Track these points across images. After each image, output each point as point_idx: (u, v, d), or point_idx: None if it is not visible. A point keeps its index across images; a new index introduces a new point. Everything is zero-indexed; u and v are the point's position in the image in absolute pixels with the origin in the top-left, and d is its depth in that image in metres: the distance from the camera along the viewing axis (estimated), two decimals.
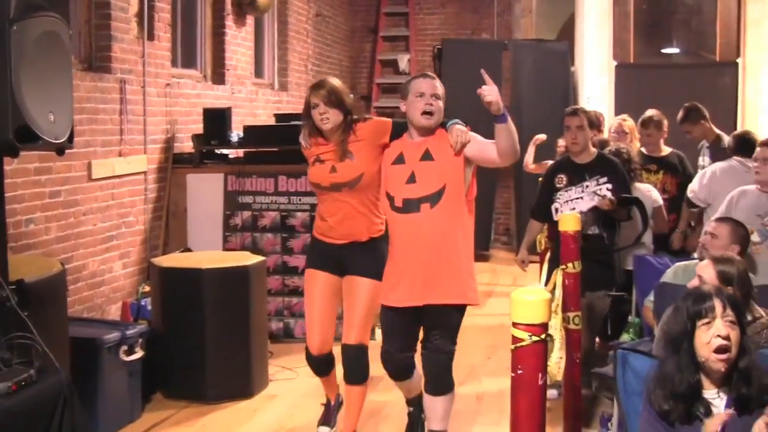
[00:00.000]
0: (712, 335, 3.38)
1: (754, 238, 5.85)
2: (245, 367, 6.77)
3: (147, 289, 7.69)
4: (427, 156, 5.09)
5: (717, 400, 3.43)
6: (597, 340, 7.04)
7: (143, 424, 6.20)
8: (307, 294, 5.67)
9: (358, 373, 5.51)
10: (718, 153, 7.98)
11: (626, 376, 3.94)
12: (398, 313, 5.12)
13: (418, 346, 5.26)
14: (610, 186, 6.30)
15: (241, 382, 6.75)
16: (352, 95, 5.50)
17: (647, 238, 6.99)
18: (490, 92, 4.67)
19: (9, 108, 3.85)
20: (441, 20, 15.06)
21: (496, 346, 8.04)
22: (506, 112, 4.79)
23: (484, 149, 5.02)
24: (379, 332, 6.11)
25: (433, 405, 5.17)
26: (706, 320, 3.41)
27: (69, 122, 4.31)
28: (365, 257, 5.41)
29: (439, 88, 5.13)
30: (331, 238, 5.50)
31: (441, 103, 5.10)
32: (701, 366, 3.43)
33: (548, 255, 7.31)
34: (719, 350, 3.35)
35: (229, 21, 9.93)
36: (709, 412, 3.37)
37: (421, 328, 5.18)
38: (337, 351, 5.66)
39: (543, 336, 3.10)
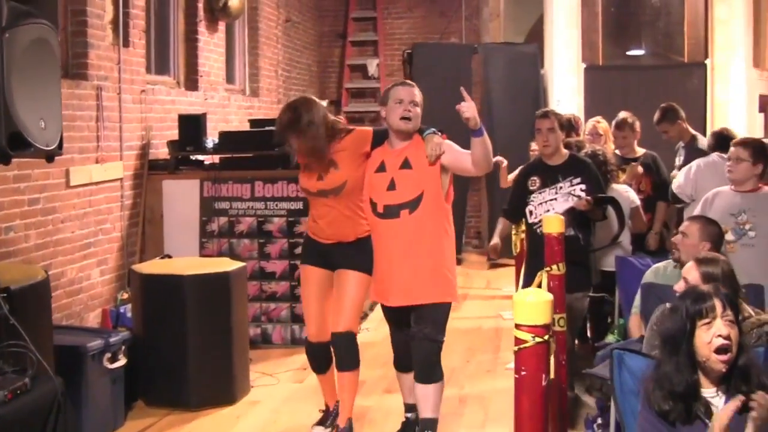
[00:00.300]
0: (713, 335, 3.39)
1: (729, 237, 5.92)
2: (227, 373, 6.76)
3: (125, 296, 7.69)
4: (406, 164, 5.43)
5: (716, 398, 3.45)
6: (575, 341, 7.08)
7: (127, 430, 6.20)
8: (303, 288, 6.05)
9: (348, 359, 5.78)
10: (693, 152, 8.08)
11: (622, 376, 3.96)
12: (393, 309, 5.55)
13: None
14: (584, 187, 6.33)
15: (223, 389, 6.74)
16: (324, 113, 5.70)
17: (625, 238, 7.05)
18: (468, 109, 5.00)
19: (1, 115, 3.84)
20: (409, 25, 15.09)
21: (473, 348, 8.08)
22: (482, 127, 5.12)
23: (460, 159, 5.37)
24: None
25: (425, 393, 5.43)
26: (706, 320, 3.42)
27: (58, 129, 4.30)
28: (354, 254, 5.76)
29: (417, 95, 5.46)
30: (321, 237, 5.89)
31: (419, 110, 5.43)
32: (700, 365, 3.45)
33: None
34: (720, 350, 3.37)
35: (202, 27, 9.92)
36: (708, 411, 3.40)
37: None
38: None
39: (546, 337, 3.11)
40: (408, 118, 5.38)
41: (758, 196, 6.02)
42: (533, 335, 3.11)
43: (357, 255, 5.74)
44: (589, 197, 6.21)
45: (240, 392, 6.87)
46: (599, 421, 5.45)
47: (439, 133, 5.47)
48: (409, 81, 5.70)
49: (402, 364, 5.81)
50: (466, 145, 5.34)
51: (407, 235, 5.37)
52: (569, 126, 7.25)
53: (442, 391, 5.55)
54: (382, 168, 5.50)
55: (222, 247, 8.36)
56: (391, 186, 5.42)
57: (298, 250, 8.14)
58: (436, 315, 5.43)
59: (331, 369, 6.03)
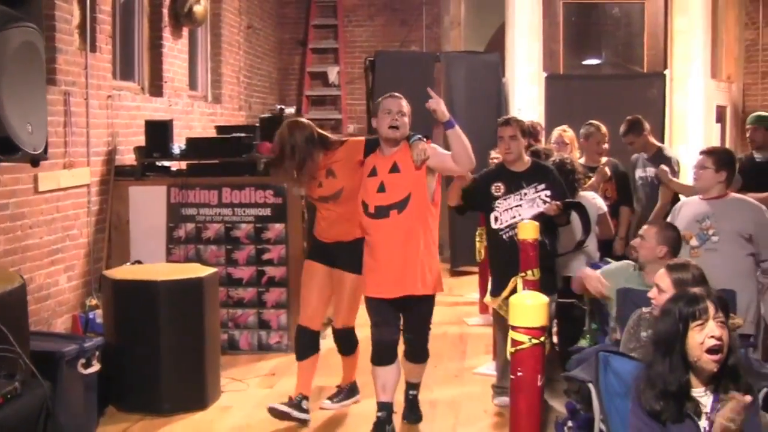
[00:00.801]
0: (706, 336, 3.48)
1: (693, 242, 6.05)
2: (199, 378, 6.77)
3: (94, 302, 7.66)
4: (394, 168, 6.00)
5: (704, 398, 3.53)
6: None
7: None
8: (305, 278, 6.63)
9: (348, 348, 6.72)
10: (663, 161, 8.27)
11: (608, 379, 4.00)
12: (380, 301, 6.03)
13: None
14: (549, 193, 6.41)
15: (195, 394, 6.75)
16: (308, 133, 6.21)
17: (592, 244, 7.13)
18: (434, 103, 5.77)
19: None
20: (370, 32, 15.17)
21: (440, 354, 8.09)
22: (453, 119, 5.81)
23: (443, 159, 5.93)
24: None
25: (412, 367, 6.34)
26: (699, 322, 3.51)
27: (44, 133, 4.30)
28: (350, 255, 6.28)
29: (405, 106, 6.04)
30: (324, 237, 6.50)
31: (406, 119, 6.02)
32: (691, 365, 3.52)
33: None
34: (712, 350, 3.45)
35: (166, 33, 9.92)
36: (698, 410, 3.47)
37: (401, 315, 6.15)
38: None
39: (542, 339, 3.16)
40: (396, 127, 5.95)
41: (723, 202, 6.12)
42: (530, 337, 3.17)
43: (354, 256, 6.24)
44: (558, 202, 6.29)
45: (211, 398, 6.87)
46: (569, 423, 5.49)
47: (425, 139, 6.02)
48: (397, 94, 6.13)
49: (381, 358, 6.13)
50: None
51: (397, 233, 5.92)
52: (529, 133, 7.34)
53: (425, 368, 6.43)
54: (373, 172, 6.04)
55: (189, 253, 8.35)
56: (381, 188, 5.97)
57: (266, 257, 8.25)
58: (426, 306, 6.15)
59: (312, 357, 6.57)
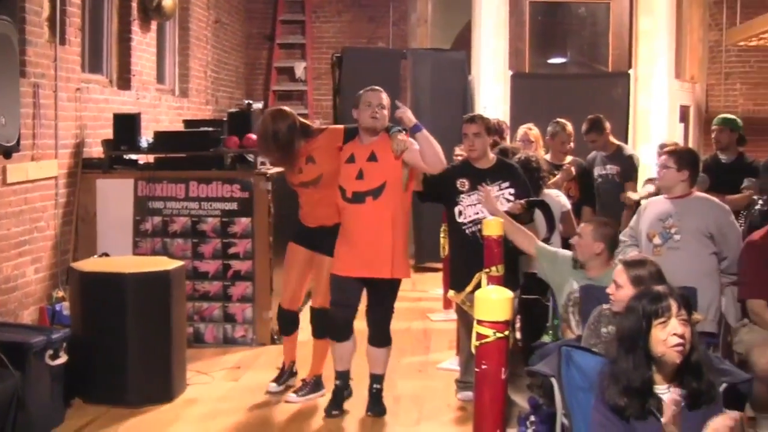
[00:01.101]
0: (669, 333, 3.57)
1: (656, 240, 6.15)
2: (166, 371, 6.82)
3: (60, 294, 7.69)
4: (372, 157, 6.37)
5: (666, 394, 3.63)
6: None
7: (67, 428, 6.20)
8: (287, 261, 7.00)
9: (322, 330, 6.82)
10: (623, 160, 8.57)
11: (570, 373, 4.08)
12: (346, 279, 6.40)
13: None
14: (513, 191, 6.53)
15: (161, 386, 6.79)
16: (290, 122, 6.52)
17: (556, 241, 7.22)
18: (400, 111, 6.19)
19: None
20: (337, 29, 15.25)
21: (404, 349, 8.18)
22: (419, 123, 6.20)
23: (418, 158, 6.27)
24: None
25: (376, 355, 6.54)
26: (662, 319, 3.60)
27: (17, 126, 4.35)
28: (332, 239, 6.54)
29: (385, 99, 6.41)
30: (307, 222, 6.83)
31: (385, 112, 6.39)
32: (655, 361, 3.61)
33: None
34: (675, 347, 3.54)
35: (135, 26, 9.94)
36: (660, 407, 3.57)
37: (363, 295, 6.54)
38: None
39: (506, 333, 3.25)
40: (376, 118, 6.33)
41: (686, 201, 6.19)
42: (495, 331, 3.25)
43: (333, 241, 6.54)
44: (522, 201, 6.39)
45: (177, 390, 6.92)
46: (532, 418, 5.59)
47: (404, 132, 6.33)
48: (377, 87, 6.49)
49: (339, 335, 6.55)
50: None
51: (371, 218, 6.31)
52: (495, 131, 7.44)
53: (389, 355, 6.61)
54: (351, 159, 6.42)
55: (155, 246, 8.40)
56: (359, 175, 6.35)
57: (232, 250, 8.33)
58: (391, 289, 6.48)
59: (294, 333, 7.17)
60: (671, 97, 12.92)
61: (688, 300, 3.75)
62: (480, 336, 3.31)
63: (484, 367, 3.32)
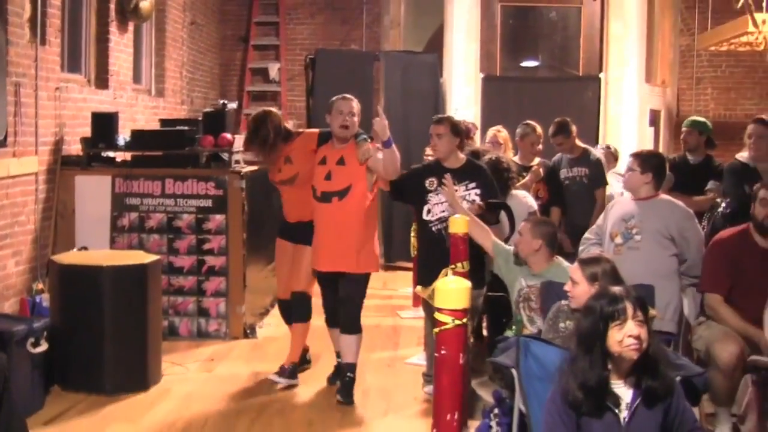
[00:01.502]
0: (625, 335, 3.78)
1: (618, 240, 6.30)
2: (141, 361, 7.05)
3: (40, 286, 7.89)
4: (341, 161, 6.91)
5: (623, 390, 3.87)
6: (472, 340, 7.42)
7: (46, 414, 6.42)
8: (276, 256, 7.51)
9: (301, 314, 7.31)
10: (591, 164, 8.88)
11: (527, 362, 4.29)
12: (325, 275, 7.02)
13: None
14: (478, 191, 6.71)
15: (137, 376, 7.03)
16: (276, 123, 7.14)
17: None
18: (377, 125, 6.65)
19: None
20: (311, 30, 15.44)
21: (374, 345, 8.38)
22: (391, 139, 6.64)
23: (379, 166, 6.81)
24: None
25: (348, 342, 7.00)
26: (618, 321, 3.80)
27: (5, 123, 4.56)
28: (311, 232, 7.05)
29: (355, 107, 6.94)
30: (288, 218, 7.33)
31: (356, 119, 6.93)
32: (612, 358, 3.83)
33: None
34: (630, 347, 3.77)
35: (113, 27, 10.12)
36: (617, 403, 3.82)
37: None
38: None
39: (464, 320, 3.49)
40: (346, 127, 6.90)
41: (650, 203, 6.34)
42: (453, 318, 3.49)
43: (311, 233, 7.05)
44: (481, 203, 6.61)
45: (152, 380, 7.14)
46: (496, 411, 5.80)
47: (369, 140, 6.90)
48: (349, 95, 7.01)
49: (331, 320, 7.20)
50: None
51: (336, 217, 6.86)
52: (460, 132, 7.58)
53: (360, 342, 7.06)
54: (323, 161, 6.97)
55: (132, 241, 8.60)
56: (328, 176, 6.89)
57: (206, 246, 8.57)
58: (358, 282, 6.97)
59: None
60: (641, 101, 13.12)
61: (643, 301, 3.93)
62: (439, 323, 3.54)
63: (443, 352, 3.54)
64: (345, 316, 7.00)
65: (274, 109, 7.38)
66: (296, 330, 7.35)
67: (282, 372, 7.32)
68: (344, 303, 6.99)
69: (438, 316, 3.54)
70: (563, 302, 5.07)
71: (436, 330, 3.57)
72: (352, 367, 6.98)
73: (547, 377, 4.25)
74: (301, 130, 7.66)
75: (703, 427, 4.09)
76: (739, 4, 11.22)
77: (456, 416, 3.58)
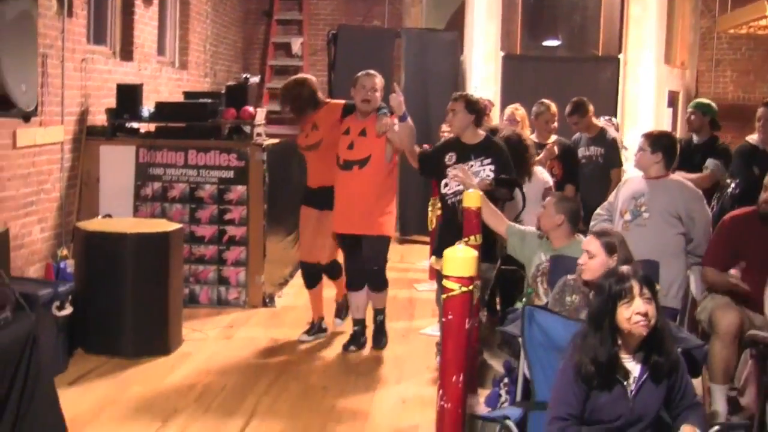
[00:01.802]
0: (633, 312, 3.93)
1: (627, 217, 6.41)
2: (162, 326, 7.28)
3: (65, 252, 8.09)
4: (363, 133, 7.39)
5: (631, 364, 4.03)
6: (485, 314, 7.59)
7: (70, 375, 6.64)
8: (301, 222, 7.94)
9: (335, 274, 8.00)
10: (606, 143, 8.97)
11: (532, 330, 4.47)
12: (346, 238, 7.53)
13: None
14: (493, 167, 6.85)
15: (158, 340, 7.26)
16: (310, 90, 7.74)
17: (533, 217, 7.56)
18: (394, 100, 7.03)
19: None
20: (333, 6, 15.50)
21: (389, 316, 8.43)
22: (407, 114, 7.09)
23: (396, 138, 7.24)
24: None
25: (377, 296, 7.70)
26: (626, 300, 3.95)
27: (35, 93, 4.76)
28: (332, 197, 7.52)
29: (378, 83, 7.38)
30: (312, 184, 7.84)
31: (378, 94, 7.38)
32: (621, 334, 3.99)
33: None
34: (638, 324, 3.93)
35: (138, 0, 10.29)
36: (627, 375, 3.99)
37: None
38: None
39: (471, 287, 3.66)
40: (368, 101, 7.35)
41: (660, 182, 6.44)
42: (460, 285, 3.65)
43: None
44: (489, 180, 6.77)
45: (174, 345, 7.38)
46: (505, 380, 5.95)
47: (389, 114, 7.26)
48: (373, 72, 7.47)
49: (353, 283, 7.65)
50: None
51: (356, 184, 7.33)
52: (476, 110, 7.67)
53: (386, 296, 7.76)
54: (347, 132, 7.46)
55: (155, 210, 8.80)
56: (350, 146, 7.38)
57: (228, 216, 8.74)
58: (377, 244, 7.46)
59: (317, 287, 7.97)
60: (659, 83, 13.16)
61: (650, 279, 4.09)
62: (446, 290, 3.69)
63: (450, 318, 3.70)
64: (372, 275, 7.55)
65: (310, 77, 7.96)
66: (336, 284, 8.09)
67: (311, 329, 7.96)
68: (368, 262, 7.49)
69: (445, 283, 3.69)
70: (570, 277, 5.19)
71: (444, 296, 3.73)
72: (381, 311, 7.77)
73: (550, 345, 4.43)
74: (328, 100, 8.12)
75: (701, 403, 4.23)
76: None
77: (461, 378, 3.74)
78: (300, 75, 8.07)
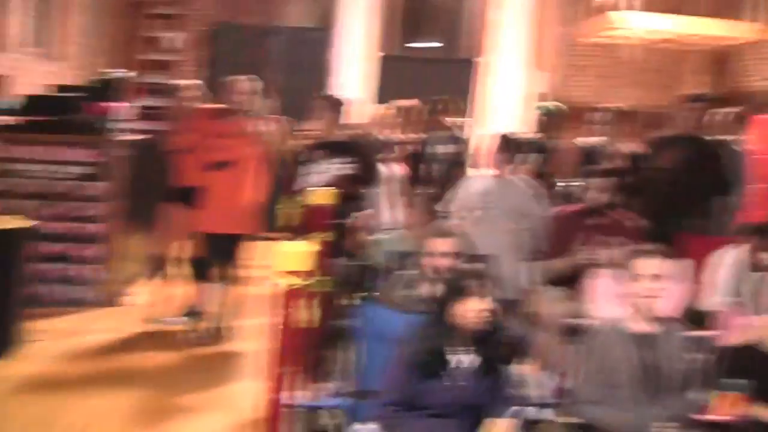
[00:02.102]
0: (467, 309, 4.17)
1: (466, 213, 6.69)
2: (2, 325, 7.05)
3: None
4: (230, 135, 7.66)
5: (463, 355, 4.22)
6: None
7: None
8: (168, 220, 8.16)
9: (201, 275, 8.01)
10: (457, 143, 9.25)
11: (365, 321, 4.86)
12: (210, 235, 7.78)
13: None
14: (349, 165, 7.15)
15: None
16: None
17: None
18: None
19: None
20: (213, 1, 15.37)
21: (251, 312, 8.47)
22: None
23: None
24: None
25: (225, 292, 7.90)
26: (462, 297, 4.19)
27: None
28: (198, 197, 7.73)
29: (246, 87, 7.72)
30: (180, 183, 7.84)
31: (244, 97, 7.73)
32: (456, 327, 4.21)
33: None
34: (472, 319, 4.17)
35: None
36: (458, 367, 4.19)
37: None
38: None
39: (306, 281, 3.84)
40: (235, 104, 7.74)
41: (502, 179, 6.78)
42: (288, 279, 3.94)
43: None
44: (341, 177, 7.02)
45: (13, 347, 7.10)
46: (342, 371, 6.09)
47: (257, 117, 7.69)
48: (242, 77, 7.76)
49: (204, 277, 7.87)
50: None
51: (222, 184, 7.62)
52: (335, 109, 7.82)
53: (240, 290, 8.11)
54: (215, 134, 7.72)
55: (9, 206, 8.49)
56: (218, 148, 7.64)
57: (83, 213, 8.80)
58: (235, 242, 7.83)
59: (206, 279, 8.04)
60: (517, 86, 13.73)
61: (488, 274, 4.32)
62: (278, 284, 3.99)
63: (281, 311, 4.02)
64: (221, 270, 7.79)
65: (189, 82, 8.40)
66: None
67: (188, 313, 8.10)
68: (222, 259, 7.77)
69: (277, 277, 3.89)
70: (411, 272, 5.34)
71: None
72: (233, 307, 8.04)
73: (377, 335, 4.71)
74: (199, 104, 8.49)
75: (518, 393, 4.42)
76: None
77: (287, 370, 4.06)
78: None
